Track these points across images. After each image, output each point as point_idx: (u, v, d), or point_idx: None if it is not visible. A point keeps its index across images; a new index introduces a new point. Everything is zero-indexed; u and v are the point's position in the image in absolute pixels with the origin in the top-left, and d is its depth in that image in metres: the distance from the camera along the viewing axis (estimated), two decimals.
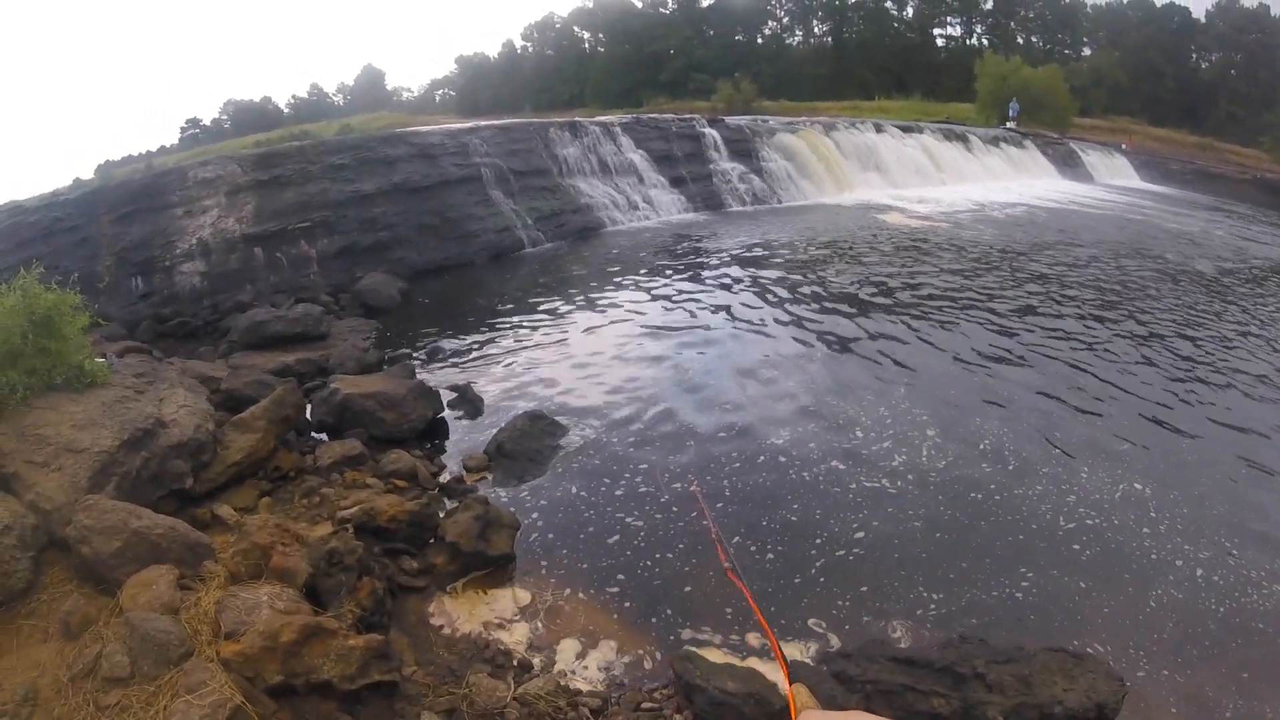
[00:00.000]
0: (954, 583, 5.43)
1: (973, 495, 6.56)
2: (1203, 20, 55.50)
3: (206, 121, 70.39)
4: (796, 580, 5.45)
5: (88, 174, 36.48)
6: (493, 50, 79.74)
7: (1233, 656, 4.82)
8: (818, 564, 5.62)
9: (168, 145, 59.99)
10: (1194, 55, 55.59)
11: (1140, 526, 6.18)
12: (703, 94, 48.73)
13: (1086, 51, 60.46)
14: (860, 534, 5.96)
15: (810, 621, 5.03)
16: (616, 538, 5.97)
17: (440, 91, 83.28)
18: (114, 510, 4.58)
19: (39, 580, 4.44)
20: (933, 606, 5.19)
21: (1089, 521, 6.19)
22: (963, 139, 32.65)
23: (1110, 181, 34.58)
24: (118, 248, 14.07)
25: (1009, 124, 38.54)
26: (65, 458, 5.10)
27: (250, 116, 66.43)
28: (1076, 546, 5.87)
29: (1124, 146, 39.33)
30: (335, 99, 77.63)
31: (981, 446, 7.44)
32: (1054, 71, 43.47)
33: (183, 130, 68.59)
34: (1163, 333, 11.42)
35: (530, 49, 75.01)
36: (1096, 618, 5.12)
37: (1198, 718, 4.32)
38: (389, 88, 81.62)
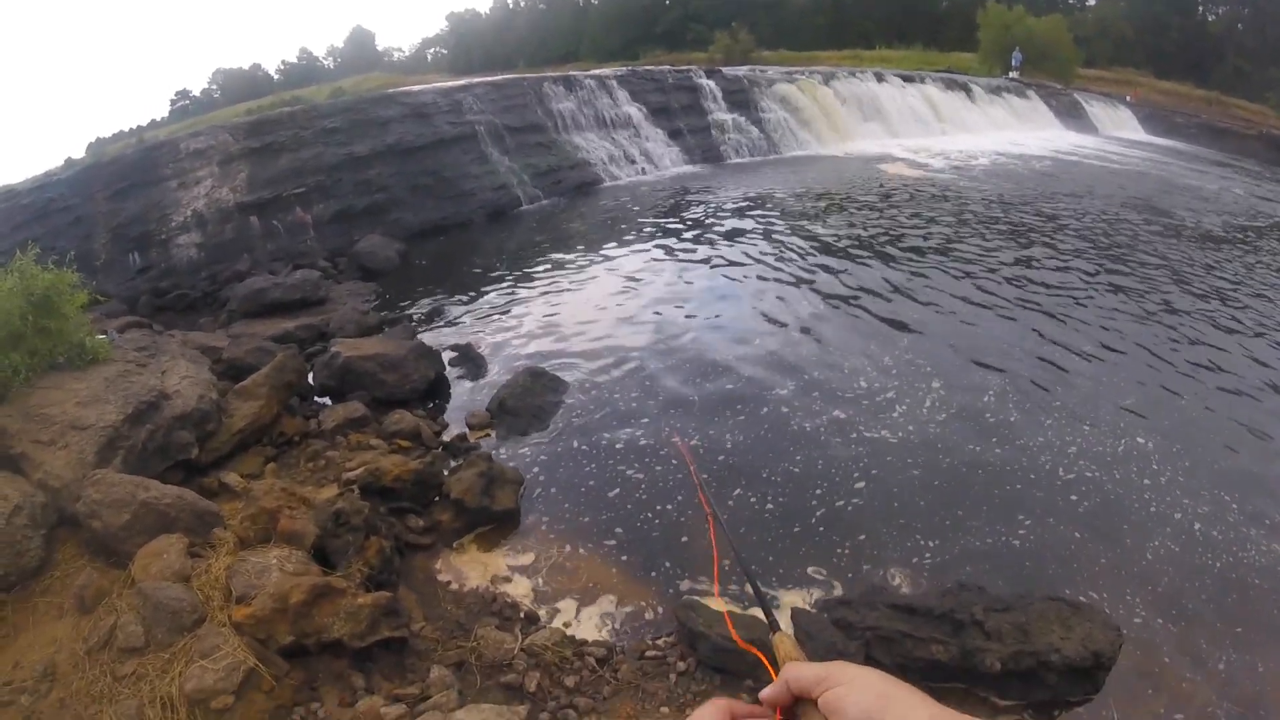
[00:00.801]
0: (952, 531, 5.49)
1: (972, 446, 6.58)
2: None
3: (196, 92, 69.80)
4: (797, 529, 5.52)
5: (79, 153, 36.24)
6: (484, 6, 78.55)
7: (1228, 611, 4.85)
8: (819, 513, 5.69)
9: (158, 119, 59.57)
10: (1200, 8, 54.09)
11: (1141, 479, 6.19)
12: (700, 45, 47.89)
13: (1091, 2, 59.03)
14: (861, 483, 6.02)
15: (811, 569, 5.11)
16: (618, 490, 6.04)
17: (432, 50, 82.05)
18: (122, 483, 4.66)
19: (52, 557, 4.53)
20: (929, 556, 5.26)
21: (1088, 474, 6.20)
22: (965, 89, 32.08)
23: (1114, 134, 34.00)
24: (113, 224, 14.03)
25: (1012, 74, 37.84)
26: (71, 435, 5.16)
27: (240, 85, 65.68)
28: (1074, 497, 5.91)
29: (1129, 99, 38.61)
30: (325, 63, 76.55)
31: (985, 398, 7.43)
32: (1058, 21, 42.56)
33: (173, 102, 68.09)
34: (1169, 289, 11.28)
35: (523, 3, 73.67)
36: (1094, 568, 5.17)
37: (1191, 669, 4.37)
38: (379, 49, 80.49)
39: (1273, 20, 48.78)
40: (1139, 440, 6.79)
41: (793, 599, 4.84)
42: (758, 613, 4.59)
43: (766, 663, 0.99)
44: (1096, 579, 5.06)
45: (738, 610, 4.63)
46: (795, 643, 0.97)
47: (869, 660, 4.15)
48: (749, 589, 4.87)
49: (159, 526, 4.53)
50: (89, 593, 4.18)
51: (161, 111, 68.04)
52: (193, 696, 3.51)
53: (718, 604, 4.69)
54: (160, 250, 13.91)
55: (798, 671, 0.84)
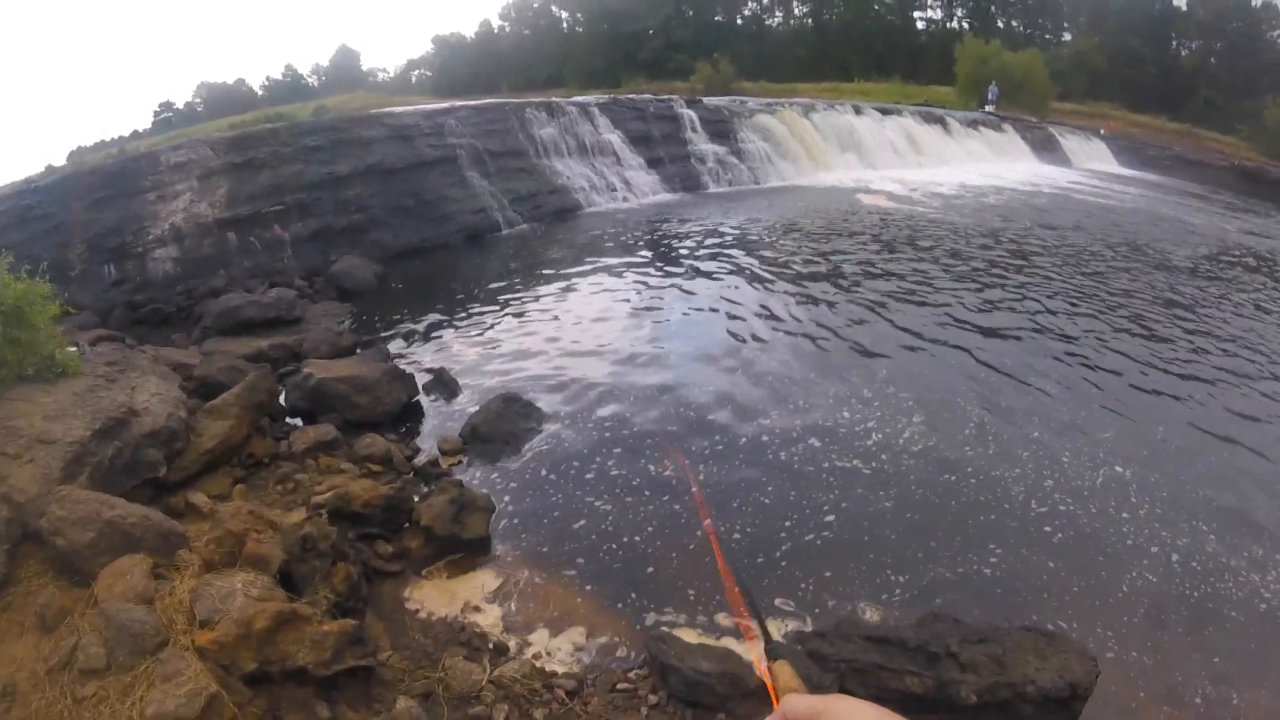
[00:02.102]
0: (926, 562, 5.49)
1: (947, 477, 6.60)
2: (1184, 7, 55.53)
3: (180, 105, 69.11)
4: (770, 559, 5.51)
5: (60, 160, 35.86)
6: (470, 30, 78.92)
7: (1205, 643, 4.87)
8: (790, 544, 5.68)
9: (141, 130, 58.94)
10: (1174, 42, 55.68)
11: (1120, 511, 6.21)
12: (682, 74, 48.32)
13: (1067, 36, 60.58)
14: (832, 516, 6.01)
15: (784, 601, 5.09)
16: (591, 519, 6.00)
17: (416, 72, 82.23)
18: (87, 501, 4.56)
19: (14, 574, 4.41)
20: (902, 588, 5.24)
21: (1061, 507, 6.21)
22: (942, 122, 32.68)
23: (1088, 166, 34.69)
24: (90, 234, 13.88)
25: (988, 107, 38.55)
26: (37, 449, 5.06)
27: (224, 99, 65.23)
28: (1048, 529, 5.93)
29: (1102, 131, 39.46)
30: (310, 80, 76.30)
31: (964, 430, 7.44)
32: (1033, 56, 43.51)
33: (156, 114, 67.40)
34: (1148, 320, 11.42)
35: (508, 28, 74.12)
36: (1071, 599, 5.16)
37: (1167, 700, 4.38)
38: (364, 68, 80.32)
39: (1244, 55, 50.22)
40: (1117, 470, 6.83)
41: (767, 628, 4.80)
42: (730, 642, 4.59)
43: (773, 693, 1.00)
44: (1072, 610, 5.07)
45: (711, 642, 4.61)
46: (795, 673, 0.98)
47: (844, 692, 4.14)
48: (722, 620, 4.89)
49: (123, 546, 4.43)
50: (51, 611, 4.08)
51: (144, 122, 67.39)
52: None
53: (690, 635, 4.67)
54: (136, 263, 13.78)
55: (795, 704, 0.86)
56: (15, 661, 3.84)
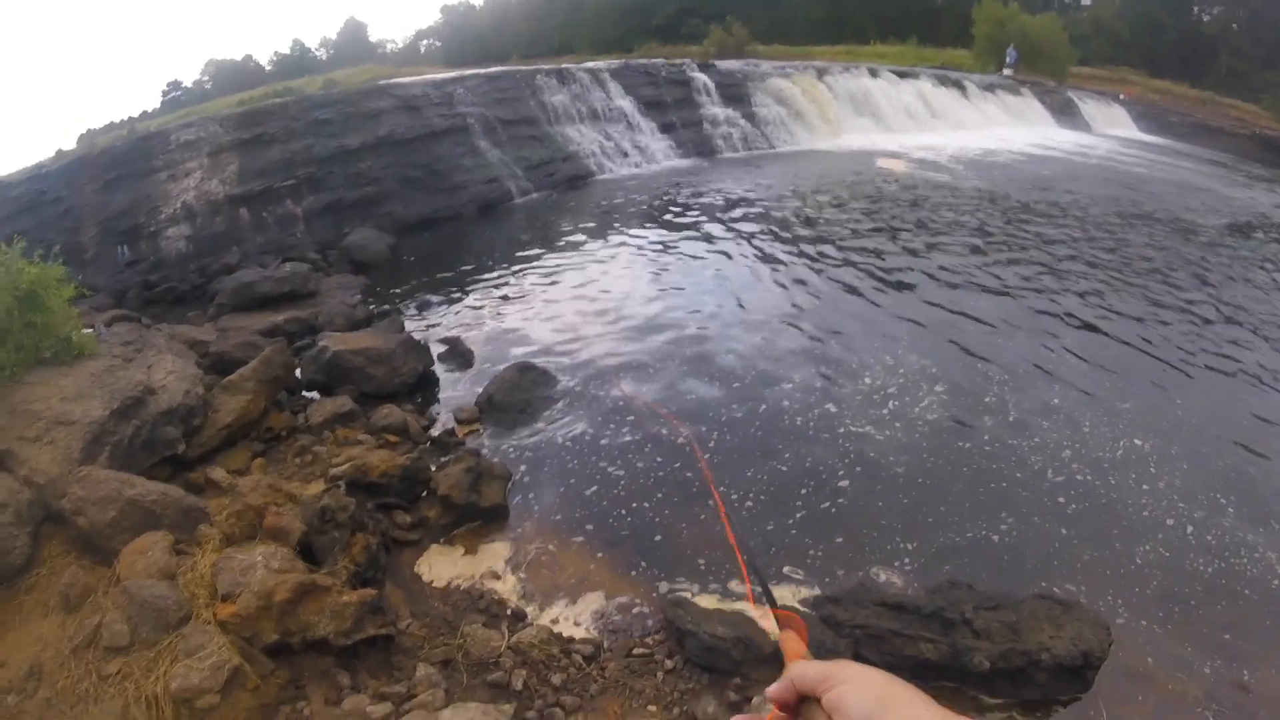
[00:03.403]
0: (941, 529, 5.47)
1: (963, 444, 6.55)
2: None
3: (188, 83, 68.95)
4: (785, 526, 5.50)
5: (70, 144, 35.96)
6: None
7: (1218, 615, 4.83)
8: (807, 510, 5.67)
9: (150, 110, 58.92)
10: (1195, 9, 54.20)
11: (1140, 483, 6.13)
12: (695, 39, 47.65)
13: (1087, 1, 59.24)
14: (847, 481, 6.00)
15: (797, 568, 5.09)
16: (606, 486, 6.02)
17: (425, 42, 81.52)
18: (107, 480, 4.63)
19: (38, 555, 4.50)
20: (917, 554, 5.24)
21: (1079, 477, 6.14)
22: (959, 85, 32.12)
23: (1108, 131, 34.06)
24: (102, 217, 13.98)
25: (1006, 71, 37.84)
26: (57, 431, 5.12)
27: (232, 76, 65.10)
28: (1062, 499, 5.87)
29: (1122, 96, 38.71)
30: (318, 54, 75.94)
31: (985, 399, 7.34)
32: (1052, 20, 42.60)
33: (164, 94, 67.27)
34: (1175, 291, 11.13)
35: None
36: (1089, 569, 5.14)
37: (1180, 671, 4.36)
38: (373, 40, 79.87)
39: (1266, 23, 48.98)
40: (1136, 442, 6.71)
41: (780, 595, 4.82)
42: (745, 607, 4.60)
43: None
44: (1088, 579, 5.04)
45: (726, 607, 4.62)
46: (799, 640, 0.98)
47: (857, 658, 4.14)
48: (738, 585, 4.90)
49: (144, 523, 4.50)
50: (75, 591, 4.14)
51: (153, 102, 67.42)
52: (178, 696, 3.49)
53: (706, 600, 4.68)
54: (149, 243, 13.87)
55: (802, 670, 0.85)
56: (41, 641, 3.91)
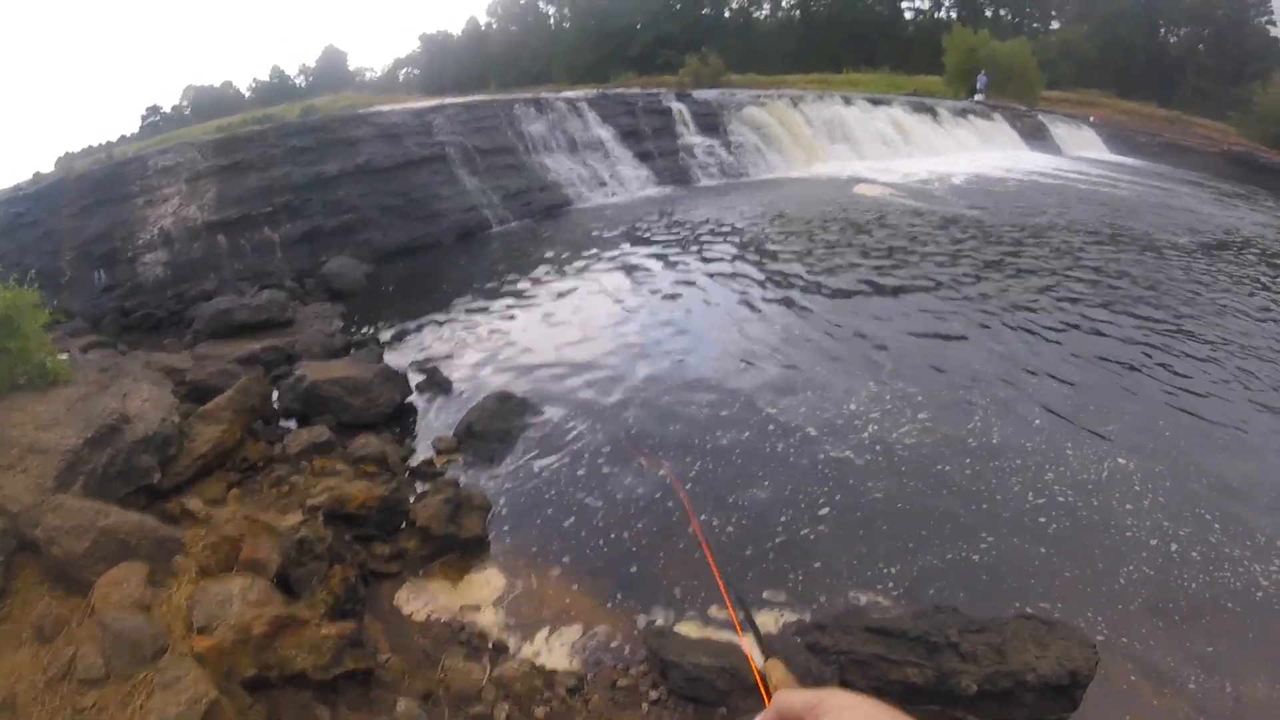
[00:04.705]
0: (924, 553, 5.48)
1: (947, 468, 6.56)
2: None
3: (167, 109, 68.74)
4: (766, 553, 5.49)
5: (48, 167, 35.66)
6: (457, 27, 78.74)
7: (1203, 631, 4.86)
8: (785, 537, 5.67)
9: (128, 134, 58.68)
10: (1162, 29, 55.69)
11: (1123, 502, 6.16)
12: (670, 69, 48.26)
13: (1055, 25, 60.70)
14: (827, 509, 6.00)
15: (777, 594, 5.08)
16: (587, 516, 5.99)
17: (404, 70, 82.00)
18: (81, 509, 4.55)
19: (10, 585, 4.40)
20: (902, 579, 5.24)
21: (1060, 499, 6.17)
22: (931, 111, 32.63)
23: (1078, 154, 34.64)
24: (79, 241, 13.85)
25: (977, 96, 38.49)
26: (31, 458, 5.04)
27: (211, 102, 65.00)
28: (1043, 519, 5.90)
29: (1092, 119, 39.53)
30: (297, 81, 76.03)
31: (969, 423, 7.35)
32: (1021, 44, 43.46)
33: (143, 118, 67.07)
34: (1152, 309, 11.22)
35: (495, 25, 73.98)
36: (1065, 587, 5.16)
37: (1167, 688, 4.38)
38: (352, 68, 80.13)
39: (1231, 40, 50.34)
40: (1120, 461, 6.76)
41: (764, 622, 4.81)
42: (730, 636, 4.58)
43: (763, 689, 1.00)
44: (1072, 599, 5.07)
45: (711, 637, 4.61)
46: (786, 669, 0.98)
47: (844, 684, 4.14)
48: (723, 614, 4.88)
49: (119, 554, 4.42)
50: (48, 622, 4.06)
51: (132, 127, 67.29)
52: None
53: (690, 630, 4.67)
54: (126, 268, 13.73)
55: (788, 699, 0.86)
56: (14, 673, 3.82)
